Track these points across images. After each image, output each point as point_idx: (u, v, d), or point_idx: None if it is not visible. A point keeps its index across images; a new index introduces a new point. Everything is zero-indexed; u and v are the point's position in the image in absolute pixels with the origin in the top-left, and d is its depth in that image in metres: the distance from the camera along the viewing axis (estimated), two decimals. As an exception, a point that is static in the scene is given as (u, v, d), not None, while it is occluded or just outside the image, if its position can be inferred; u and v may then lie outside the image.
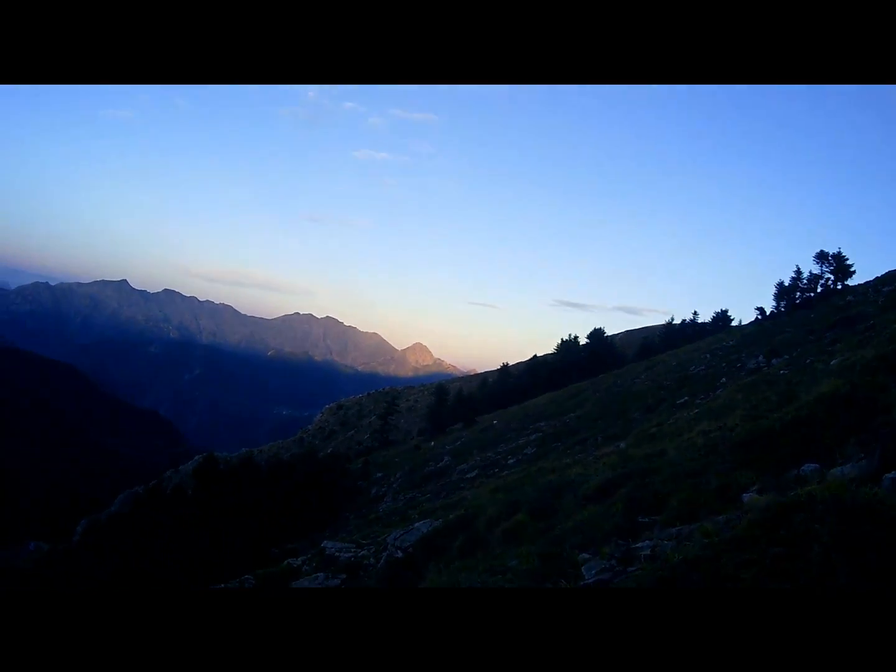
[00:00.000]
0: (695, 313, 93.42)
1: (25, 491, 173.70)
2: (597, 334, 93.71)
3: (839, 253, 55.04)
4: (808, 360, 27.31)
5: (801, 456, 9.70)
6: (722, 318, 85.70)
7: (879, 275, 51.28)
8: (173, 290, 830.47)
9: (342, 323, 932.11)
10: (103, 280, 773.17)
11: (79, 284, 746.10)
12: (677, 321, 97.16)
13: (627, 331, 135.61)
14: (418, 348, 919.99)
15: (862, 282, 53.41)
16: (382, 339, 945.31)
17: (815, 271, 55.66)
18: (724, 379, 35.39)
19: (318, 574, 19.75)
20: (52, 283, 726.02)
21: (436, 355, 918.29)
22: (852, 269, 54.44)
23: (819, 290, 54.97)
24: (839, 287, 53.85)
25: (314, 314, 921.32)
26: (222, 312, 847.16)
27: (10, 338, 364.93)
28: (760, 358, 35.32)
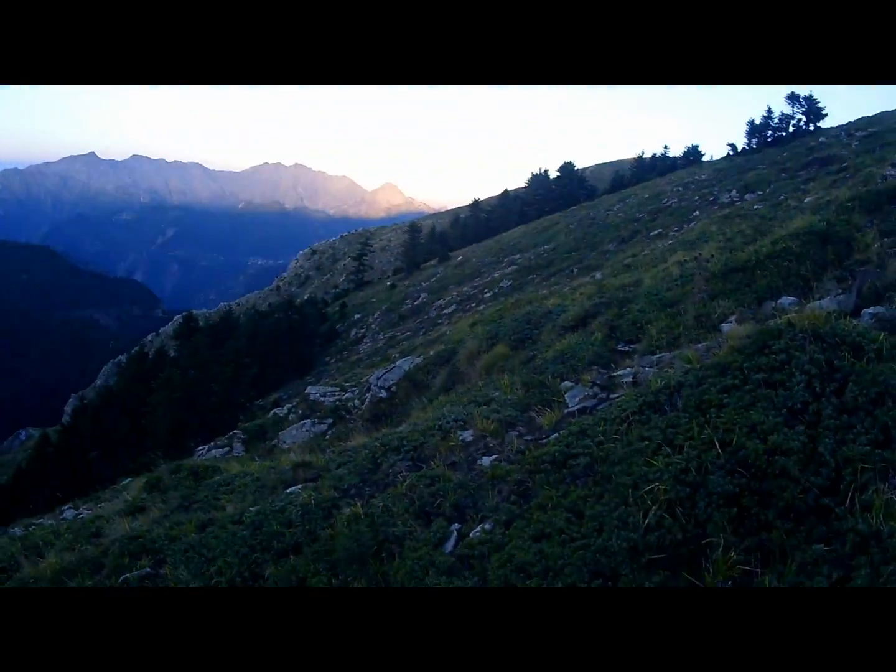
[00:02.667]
0: (665, 147, 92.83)
1: (10, 380, 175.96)
2: (567, 167, 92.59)
3: (811, 96, 54.41)
4: (781, 197, 27.43)
5: (779, 289, 9.73)
6: (693, 153, 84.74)
7: (852, 120, 51.53)
8: (141, 156, 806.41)
9: (311, 169, 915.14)
10: (71, 156, 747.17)
11: (47, 165, 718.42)
12: (647, 156, 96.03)
13: (598, 164, 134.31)
14: (388, 189, 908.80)
15: (834, 125, 53.36)
16: (352, 181, 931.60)
17: (786, 112, 55.15)
18: (697, 212, 35.48)
19: (305, 421, 19.96)
20: (21, 168, 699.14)
21: (406, 195, 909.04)
22: (824, 112, 54.06)
23: (791, 129, 54.60)
24: (811, 129, 53.41)
25: (283, 162, 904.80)
26: (191, 171, 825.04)
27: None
28: (734, 193, 35.37)
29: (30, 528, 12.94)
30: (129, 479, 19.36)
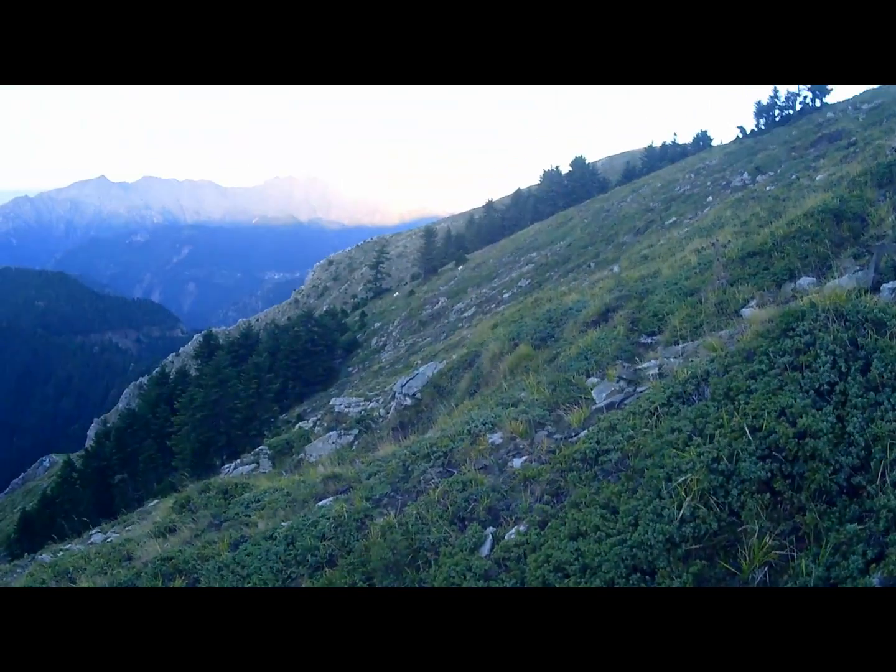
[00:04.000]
0: (674, 135, 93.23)
1: (32, 407, 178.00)
2: (578, 162, 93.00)
3: (815, 72, 53.54)
4: (793, 176, 27.15)
5: (797, 270, 9.70)
6: (702, 138, 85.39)
7: (858, 93, 50.93)
8: (152, 177, 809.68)
9: (323, 181, 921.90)
10: (81, 181, 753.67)
11: (58, 191, 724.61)
12: (657, 144, 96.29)
13: (609, 156, 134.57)
14: (402, 195, 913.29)
15: (840, 100, 52.88)
16: (365, 190, 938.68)
17: (791, 90, 54.67)
18: (710, 198, 35.14)
19: (331, 433, 20.01)
20: (32, 196, 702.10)
21: (419, 200, 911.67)
22: (830, 87, 53.43)
23: (798, 107, 53.97)
24: (818, 105, 52.85)
25: (294, 176, 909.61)
26: (203, 189, 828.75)
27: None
28: (745, 175, 35.08)
29: (58, 555, 13.04)
30: (156, 501, 19.49)
